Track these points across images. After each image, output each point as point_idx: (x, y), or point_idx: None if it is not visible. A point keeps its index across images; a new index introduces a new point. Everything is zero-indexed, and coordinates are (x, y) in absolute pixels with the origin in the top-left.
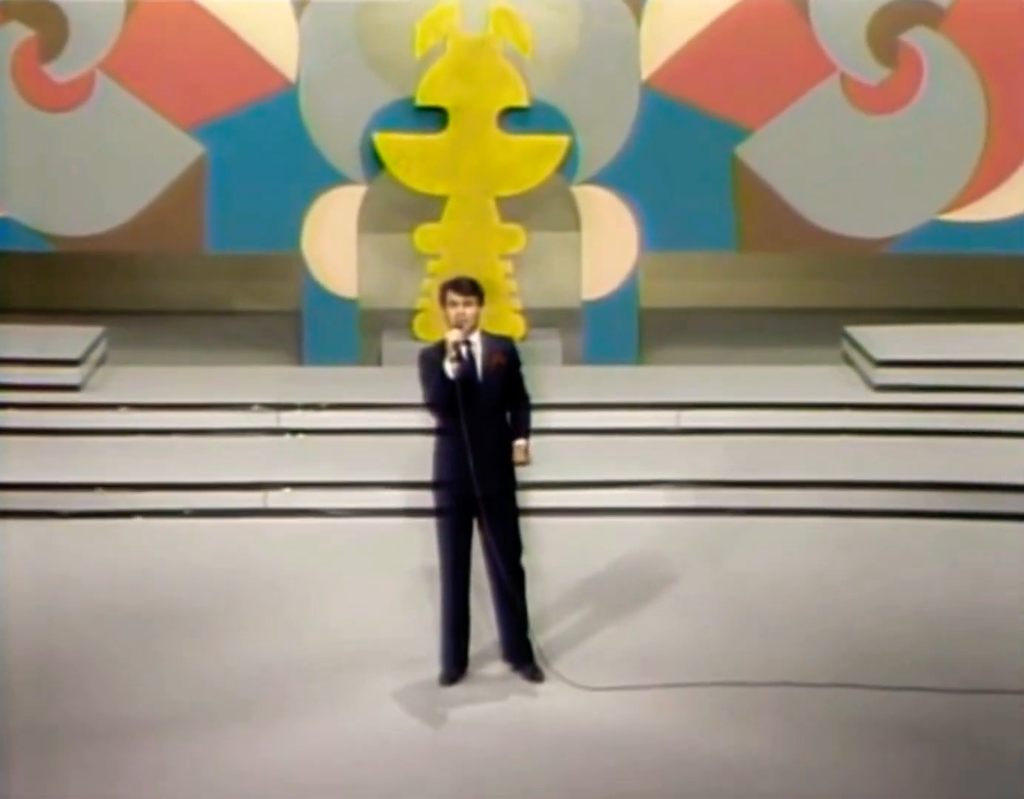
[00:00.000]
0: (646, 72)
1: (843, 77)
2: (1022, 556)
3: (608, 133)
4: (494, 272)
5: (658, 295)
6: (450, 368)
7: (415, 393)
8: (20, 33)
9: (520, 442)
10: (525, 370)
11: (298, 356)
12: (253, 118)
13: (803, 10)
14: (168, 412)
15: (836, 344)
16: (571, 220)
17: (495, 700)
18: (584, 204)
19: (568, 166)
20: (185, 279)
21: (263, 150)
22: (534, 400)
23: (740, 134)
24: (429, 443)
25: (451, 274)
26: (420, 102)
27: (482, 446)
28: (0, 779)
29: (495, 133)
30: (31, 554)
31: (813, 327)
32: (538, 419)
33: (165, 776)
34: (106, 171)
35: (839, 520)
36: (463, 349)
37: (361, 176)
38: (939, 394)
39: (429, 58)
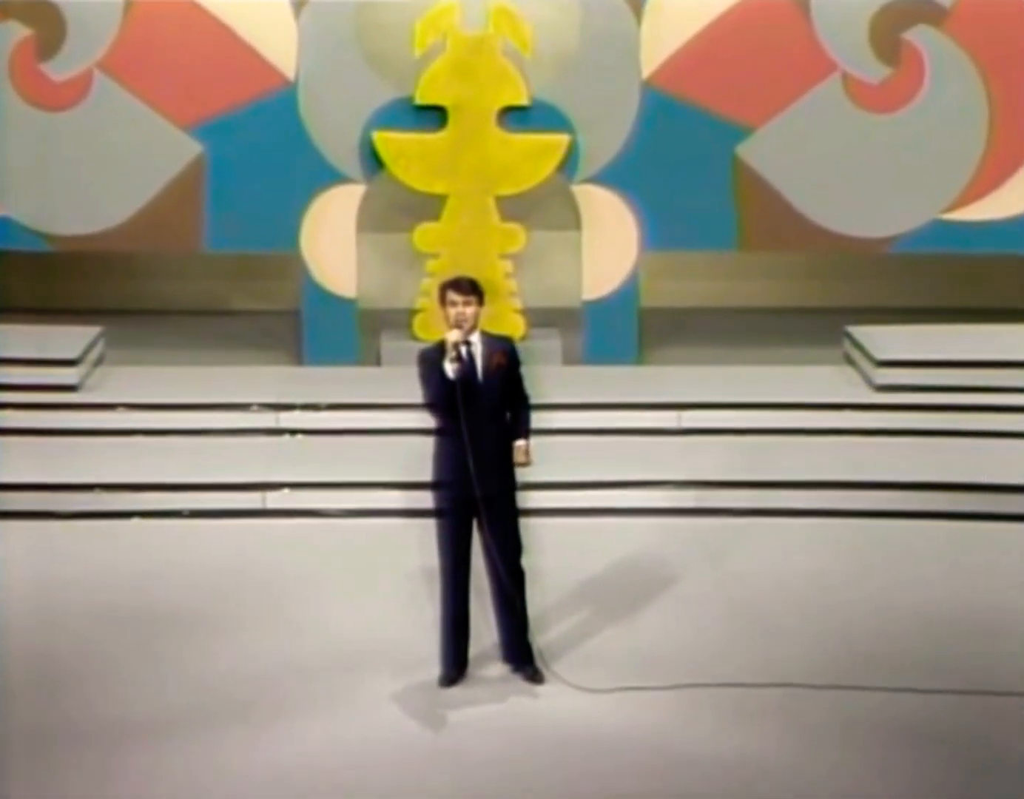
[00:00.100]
0: (646, 71)
1: (844, 76)
2: (1022, 556)
3: (608, 132)
4: (494, 272)
5: (658, 295)
6: (450, 368)
7: (414, 393)
8: (18, 32)
9: (520, 443)
10: (525, 370)
11: (297, 356)
12: (252, 117)
13: (804, 8)
14: (167, 412)
15: (837, 344)
16: (571, 219)
17: (495, 702)
18: (584, 203)
19: (568, 165)
20: (184, 279)
21: (262, 149)
22: (534, 400)
23: (741, 133)
24: (429, 443)
25: (451, 274)
26: (419, 101)
27: (482, 447)
28: None
29: (495, 132)
30: (29, 554)
31: (814, 327)
32: (538, 419)
33: (164, 777)
34: (104, 170)
35: (839, 520)
36: (463, 349)
37: (360, 175)
38: (940, 394)
39: (429, 57)
